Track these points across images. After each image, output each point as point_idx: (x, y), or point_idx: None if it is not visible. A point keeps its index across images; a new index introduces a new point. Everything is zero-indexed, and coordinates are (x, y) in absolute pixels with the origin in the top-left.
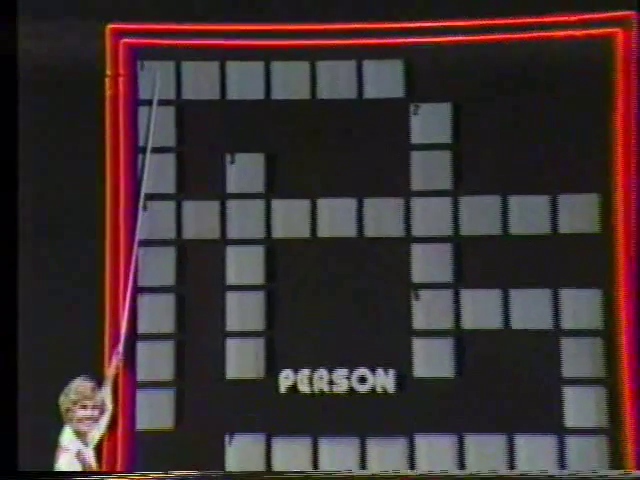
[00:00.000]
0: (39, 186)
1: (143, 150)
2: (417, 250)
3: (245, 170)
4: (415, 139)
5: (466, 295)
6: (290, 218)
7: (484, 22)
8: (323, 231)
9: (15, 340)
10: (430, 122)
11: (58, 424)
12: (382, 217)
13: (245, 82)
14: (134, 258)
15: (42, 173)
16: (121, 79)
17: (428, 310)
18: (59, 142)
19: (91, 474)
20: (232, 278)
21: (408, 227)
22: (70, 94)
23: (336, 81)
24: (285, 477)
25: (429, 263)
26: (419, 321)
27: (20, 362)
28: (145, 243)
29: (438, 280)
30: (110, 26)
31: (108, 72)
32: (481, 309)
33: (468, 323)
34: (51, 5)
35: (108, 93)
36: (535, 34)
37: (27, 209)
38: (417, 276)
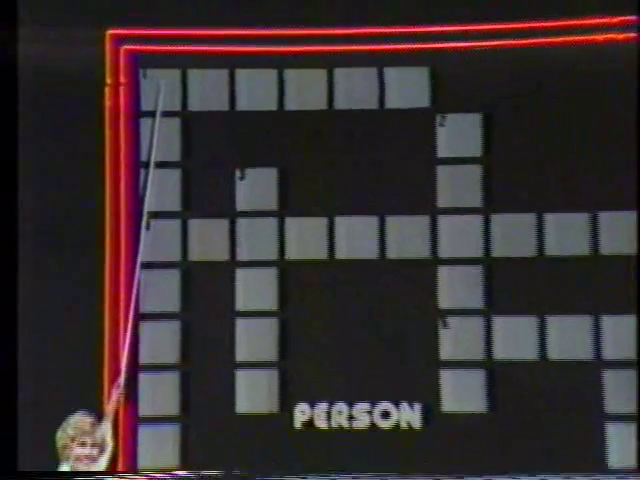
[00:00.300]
0: (39, 186)
1: (146, 165)
2: (444, 273)
3: (256, 186)
4: (442, 152)
5: (498, 322)
6: (305, 238)
7: (517, 25)
8: (341, 252)
9: (15, 340)
10: (458, 134)
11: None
12: (406, 237)
13: (256, 91)
14: (136, 282)
15: (42, 190)
16: (122, 88)
17: (457, 339)
18: (59, 152)
19: (91, 474)
20: (242, 303)
21: (434, 248)
22: (70, 103)
23: (355, 90)
24: (290, 478)
25: (458, 287)
26: (447, 351)
27: (20, 362)
28: (148, 265)
29: (468, 306)
30: (109, 32)
31: (108, 81)
32: (515, 338)
33: (501, 353)
34: (51, 9)
35: (108, 103)
36: (573, 38)
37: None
38: (445, 301)
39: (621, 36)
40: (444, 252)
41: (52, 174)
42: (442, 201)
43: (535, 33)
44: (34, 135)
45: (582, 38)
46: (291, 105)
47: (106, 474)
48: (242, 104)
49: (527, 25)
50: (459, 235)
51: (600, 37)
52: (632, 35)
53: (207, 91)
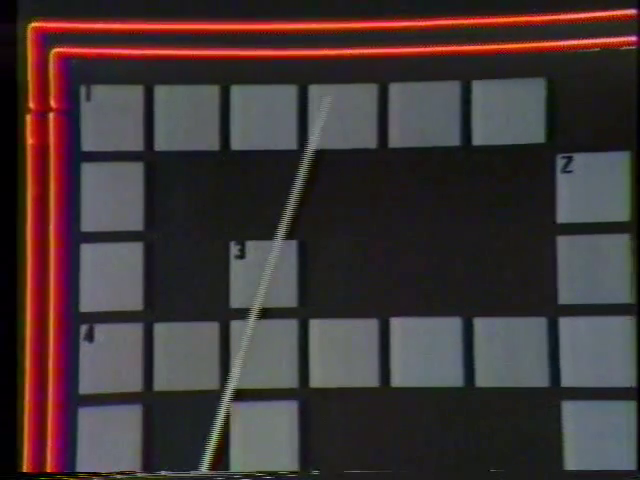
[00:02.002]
0: None
1: (90, 238)
2: (572, 411)
3: (262, 269)
4: (565, 215)
5: None
6: (340, 351)
7: None
8: (400, 376)
9: (15, 340)
10: (592, 186)
11: None
12: (508, 352)
13: (263, 120)
14: (72, 429)
15: None
16: (52, 117)
17: None
18: None
19: (92, 474)
20: (240, 460)
21: (555, 371)
22: None
23: (422, 117)
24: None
25: (594, 435)
26: None
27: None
28: (90, 400)
29: (612, 465)
30: (33, 25)
31: (31, 105)
32: None
33: None
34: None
35: (30, 142)
36: None
37: None
38: (574, 458)
39: None
40: (570, 378)
41: None
42: (565, 295)
43: None
44: None
45: None
46: (318, 141)
47: (107, 474)
48: (239, 140)
49: None
50: (594, 351)
51: None
52: None
53: (186, 120)
